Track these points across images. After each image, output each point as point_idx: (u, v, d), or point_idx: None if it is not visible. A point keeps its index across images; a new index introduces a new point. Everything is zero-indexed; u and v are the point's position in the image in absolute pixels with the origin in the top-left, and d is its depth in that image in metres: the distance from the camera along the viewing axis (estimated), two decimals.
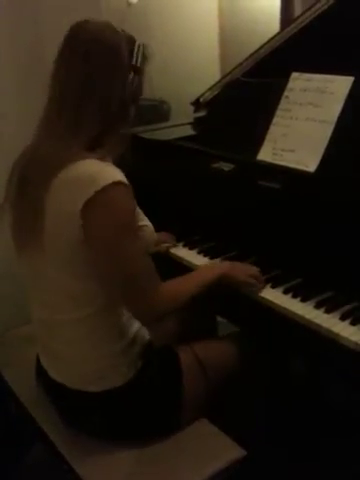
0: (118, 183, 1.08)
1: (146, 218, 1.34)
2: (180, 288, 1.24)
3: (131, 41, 1.18)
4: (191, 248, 1.57)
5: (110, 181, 1.07)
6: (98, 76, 1.13)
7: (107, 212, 1.09)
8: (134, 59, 1.18)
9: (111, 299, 1.19)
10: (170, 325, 1.46)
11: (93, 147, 1.13)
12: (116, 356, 1.22)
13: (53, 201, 1.10)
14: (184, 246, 1.59)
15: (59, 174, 1.09)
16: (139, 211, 1.32)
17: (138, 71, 1.19)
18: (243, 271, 1.32)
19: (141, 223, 1.29)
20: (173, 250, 1.57)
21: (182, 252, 1.57)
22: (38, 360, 1.35)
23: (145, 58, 1.21)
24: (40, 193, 1.11)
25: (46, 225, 1.11)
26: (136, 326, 1.27)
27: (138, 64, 1.19)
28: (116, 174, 1.10)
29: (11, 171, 1.22)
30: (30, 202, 1.14)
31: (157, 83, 3.54)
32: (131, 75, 1.17)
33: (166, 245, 1.57)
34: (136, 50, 1.18)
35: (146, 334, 1.31)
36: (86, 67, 1.13)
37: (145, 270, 1.15)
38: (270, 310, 1.28)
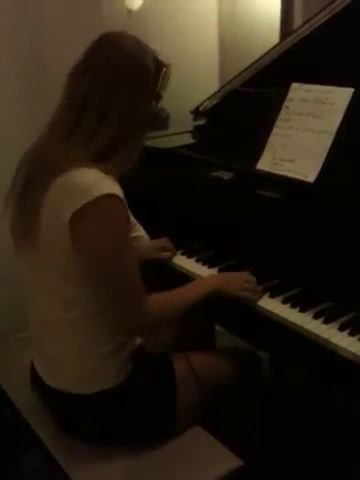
0: (111, 196, 1.07)
1: (142, 229, 1.34)
2: (169, 303, 1.24)
3: (159, 66, 1.20)
4: (190, 256, 1.57)
5: (103, 193, 1.06)
6: (126, 94, 1.14)
7: (96, 223, 1.08)
8: (158, 86, 1.20)
9: (101, 304, 1.19)
10: (167, 333, 1.45)
11: (103, 158, 1.13)
12: (105, 358, 1.22)
13: (49, 205, 1.10)
14: (183, 254, 1.59)
15: (58, 178, 1.09)
16: (134, 222, 1.32)
17: (158, 98, 1.22)
18: (237, 284, 1.31)
19: (135, 234, 1.29)
20: (175, 259, 1.56)
21: (183, 261, 1.55)
22: (32, 365, 1.35)
23: (167, 81, 1.23)
24: (39, 195, 1.11)
25: (41, 227, 1.12)
26: None
27: (161, 90, 1.22)
28: (112, 187, 1.09)
29: (17, 170, 1.22)
30: (29, 203, 1.14)
31: None
32: (153, 100, 1.21)
33: (167, 254, 1.56)
34: (161, 77, 1.20)
35: (137, 339, 1.31)
36: (116, 80, 1.14)
37: (133, 283, 1.15)
38: (269, 320, 1.28)
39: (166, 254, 1.55)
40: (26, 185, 1.18)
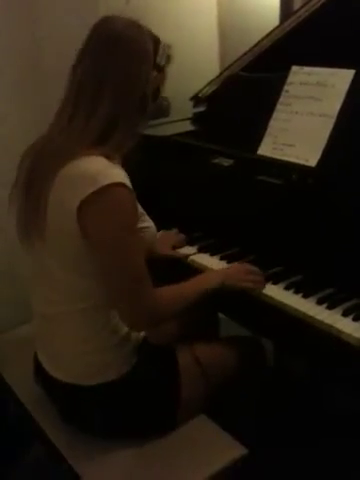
0: (118, 184, 1.06)
1: (149, 219, 1.33)
2: (176, 296, 1.22)
3: (156, 40, 1.20)
4: (192, 245, 1.55)
5: (109, 182, 1.05)
6: (122, 69, 1.13)
7: (104, 212, 1.07)
8: (159, 58, 1.19)
9: (107, 297, 1.18)
10: (171, 324, 1.44)
11: (102, 139, 1.12)
12: (110, 350, 1.22)
13: (56, 195, 1.09)
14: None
15: (63, 169, 1.08)
16: (142, 212, 1.30)
17: (162, 70, 1.21)
18: (242, 276, 1.30)
19: (143, 224, 1.27)
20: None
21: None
22: (36, 357, 1.34)
23: (168, 59, 1.23)
24: (45, 185, 1.10)
25: (48, 218, 1.11)
26: None
27: (162, 63, 1.20)
28: (118, 176, 1.08)
29: (20, 162, 1.22)
30: (35, 194, 1.13)
31: None
32: (154, 73, 1.19)
33: (185, 253, 1.52)
34: (161, 50, 1.20)
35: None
36: (111, 58, 1.13)
37: (141, 275, 1.13)
38: (271, 306, 1.27)
39: (183, 253, 1.51)
40: (31, 177, 1.17)
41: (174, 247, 1.54)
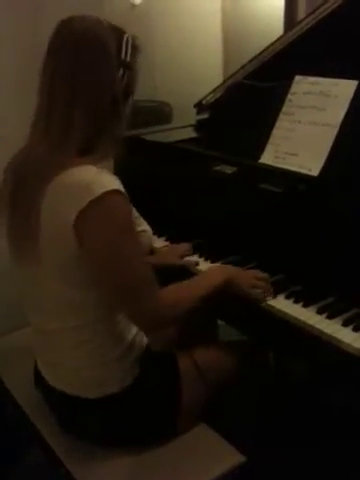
0: (114, 192, 1.05)
1: (145, 223, 1.32)
2: (183, 294, 1.21)
3: (119, 35, 1.12)
4: (193, 252, 1.55)
5: (105, 189, 1.03)
6: (86, 74, 1.08)
7: (103, 221, 1.06)
8: (123, 54, 1.12)
9: (108, 307, 1.17)
10: (171, 329, 1.44)
11: (87, 149, 1.10)
12: (112, 364, 1.20)
13: (48, 208, 1.07)
14: None
15: (54, 179, 1.06)
16: (138, 216, 1.30)
17: (128, 66, 1.14)
18: (249, 279, 1.29)
19: (139, 228, 1.27)
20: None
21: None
22: (36, 365, 1.33)
23: (135, 51, 1.15)
24: (36, 199, 1.07)
25: (41, 232, 1.08)
26: (133, 332, 1.25)
27: (127, 59, 1.13)
28: (112, 182, 1.06)
29: (4, 175, 1.19)
30: (25, 208, 1.10)
31: (160, 85, 3.54)
32: (121, 71, 1.12)
33: (193, 260, 1.51)
34: (124, 44, 1.12)
35: (144, 339, 1.29)
36: (74, 65, 1.08)
37: (145, 277, 1.12)
38: (271, 315, 1.27)
39: (191, 260, 1.51)
40: (18, 192, 1.14)
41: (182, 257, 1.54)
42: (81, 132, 1.09)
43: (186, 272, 1.49)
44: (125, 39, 1.13)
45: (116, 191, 1.06)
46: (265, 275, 1.32)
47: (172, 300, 1.17)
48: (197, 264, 1.50)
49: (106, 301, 1.16)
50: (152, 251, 1.58)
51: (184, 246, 1.57)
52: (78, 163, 1.07)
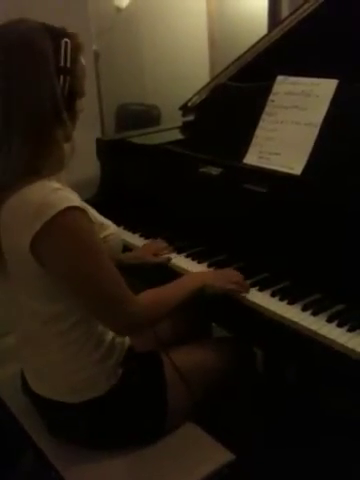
0: (67, 209, 1.01)
1: (111, 225, 1.30)
2: (159, 299, 1.21)
3: (56, 38, 1.05)
4: (179, 252, 1.56)
5: (57, 210, 1.00)
6: (21, 85, 1.02)
7: (60, 241, 1.03)
8: (62, 60, 1.05)
9: (84, 313, 1.17)
10: (163, 330, 1.45)
11: (37, 164, 1.05)
12: (94, 367, 1.20)
13: (4, 234, 1.06)
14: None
15: (6, 202, 1.03)
16: (102, 220, 1.27)
17: (68, 71, 1.06)
18: (225, 279, 1.31)
19: (105, 233, 1.25)
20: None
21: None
22: (23, 371, 1.34)
23: (77, 53, 1.09)
24: None
25: (4, 254, 1.08)
26: (112, 334, 1.25)
27: (67, 64, 1.06)
28: (64, 199, 1.02)
29: None
30: None
31: (148, 88, 3.56)
32: (61, 78, 1.05)
33: (166, 256, 1.54)
34: (63, 49, 1.05)
35: (126, 340, 1.30)
36: (6, 78, 1.02)
37: (116, 286, 1.11)
38: (258, 313, 1.28)
39: (164, 257, 1.53)
40: None
41: (156, 255, 1.55)
42: (24, 149, 1.03)
43: (162, 269, 1.52)
44: (63, 43, 1.06)
45: (69, 208, 1.01)
46: (236, 273, 1.34)
47: (149, 305, 1.18)
48: (170, 260, 1.53)
49: (79, 308, 1.15)
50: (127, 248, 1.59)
51: (159, 242, 1.58)
52: (29, 182, 1.03)
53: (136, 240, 1.68)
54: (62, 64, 1.05)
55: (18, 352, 1.30)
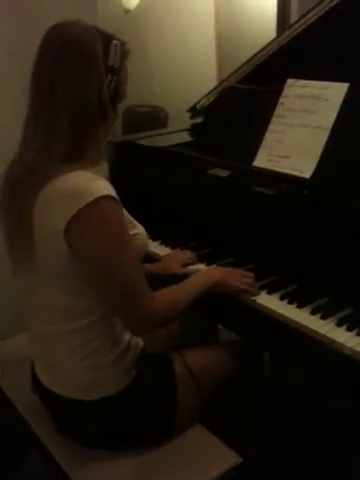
0: (103, 198, 1.05)
1: (139, 225, 1.33)
2: (174, 297, 1.23)
3: (106, 40, 1.13)
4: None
5: (95, 196, 1.04)
6: (69, 80, 1.09)
7: (93, 228, 1.06)
8: (111, 59, 1.13)
9: (104, 311, 1.18)
10: (170, 332, 1.46)
11: (76, 154, 1.10)
12: (109, 366, 1.21)
13: (40, 217, 1.08)
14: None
15: (45, 188, 1.07)
16: (131, 219, 1.30)
17: (115, 72, 1.14)
18: (237, 278, 1.32)
19: (133, 231, 1.27)
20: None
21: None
22: (33, 368, 1.34)
23: (124, 56, 1.17)
24: (27, 207, 1.08)
25: (35, 241, 1.10)
26: (129, 335, 1.26)
27: (116, 64, 1.14)
28: (102, 188, 1.06)
29: (3, 181, 1.20)
30: (18, 216, 1.12)
31: (155, 90, 3.56)
32: (109, 76, 1.13)
33: (195, 267, 1.50)
34: (112, 49, 1.13)
35: (140, 342, 1.30)
36: (58, 70, 1.09)
37: (138, 281, 1.13)
38: (266, 316, 1.28)
39: (193, 268, 1.49)
40: (12, 199, 1.15)
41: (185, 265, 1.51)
42: (67, 138, 1.09)
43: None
44: (113, 44, 1.13)
45: (106, 197, 1.06)
46: (249, 273, 1.35)
47: (165, 302, 1.19)
48: (199, 271, 1.47)
49: (100, 306, 1.17)
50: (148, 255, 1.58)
51: (186, 253, 1.54)
52: (69, 170, 1.07)
53: None
54: (111, 63, 1.13)
55: (32, 346, 1.31)
